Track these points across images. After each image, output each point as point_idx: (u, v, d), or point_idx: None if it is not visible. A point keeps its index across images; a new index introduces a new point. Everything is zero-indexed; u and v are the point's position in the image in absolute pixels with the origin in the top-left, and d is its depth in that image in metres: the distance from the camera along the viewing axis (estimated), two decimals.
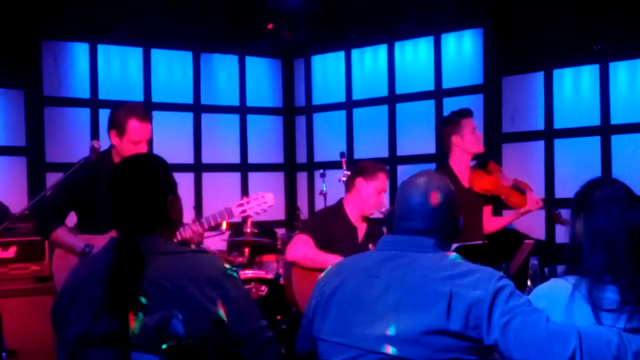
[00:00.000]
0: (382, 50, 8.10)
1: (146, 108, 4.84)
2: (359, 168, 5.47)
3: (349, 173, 5.64)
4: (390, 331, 2.68)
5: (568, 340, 2.55)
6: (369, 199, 5.38)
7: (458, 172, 5.58)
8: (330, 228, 5.37)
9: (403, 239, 2.86)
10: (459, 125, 5.59)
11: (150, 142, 4.83)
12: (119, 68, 7.86)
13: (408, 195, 2.90)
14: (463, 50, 7.59)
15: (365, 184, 5.37)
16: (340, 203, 5.49)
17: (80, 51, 7.67)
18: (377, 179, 5.36)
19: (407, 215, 2.88)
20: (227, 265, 2.81)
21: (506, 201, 5.79)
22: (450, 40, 7.67)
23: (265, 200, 5.28)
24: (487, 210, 5.81)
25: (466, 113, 5.71)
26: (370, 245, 5.29)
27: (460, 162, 5.62)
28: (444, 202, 2.87)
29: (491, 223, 5.80)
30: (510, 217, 5.83)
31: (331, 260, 5.15)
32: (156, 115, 4.93)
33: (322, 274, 3.03)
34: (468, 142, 5.59)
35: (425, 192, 2.87)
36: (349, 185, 5.46)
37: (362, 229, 5.46)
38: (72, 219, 4.95)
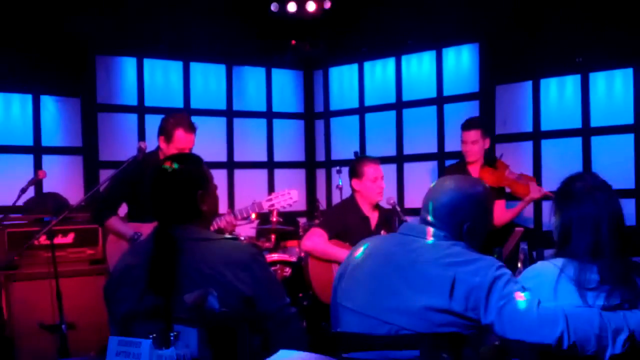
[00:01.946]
0: (390, 62, 8.07)
1: (192, 121, 4.83)
2: (349, 171, 5.48)
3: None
4: (401, 305, 2.68)
5: (556, 322, 2.54)
6: (369, 191, 5.36)
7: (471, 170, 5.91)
8: (345, 219, 5.35)
9: (420, 227, 2.84)
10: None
11: None
12: (162, 79, 7.88)
13: (432, 192, 2.89)
14: (461, 63, 7.56)
15: (358, 182, 5.37)
16: (352, 196, 5.47)
17: (128, 64, 7.69)
18: (365, 173, 5.35)
19: (427, 208, 2.86)
20: (256, 250, 2.81)
21: (512, 192, 5.84)
22: (450, 54, 7.63)
23: (291, 196, 5.28)
24: (502, 204, 5.86)
25: (465, 125, 6.05)
26: (382, 232, 5.28)
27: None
28: (457, 203, 2.82)
29: (507, 214, 5.85)
30: (519, 206, 5.83)
31: (339, 254, 5.17)
32: (194, 119, 4.92)
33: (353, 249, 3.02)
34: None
35: (444, 192, 2.85)
36: (351, 187, 5.47)
37: (374, 218, 5.43)
38: (123, 209, 4.97)
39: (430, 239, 2.77)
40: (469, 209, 2.83)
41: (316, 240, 5.28)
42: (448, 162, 7.37)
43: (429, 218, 2.83)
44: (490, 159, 5.99)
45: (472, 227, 2.82)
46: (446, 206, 2.81)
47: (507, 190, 5.92)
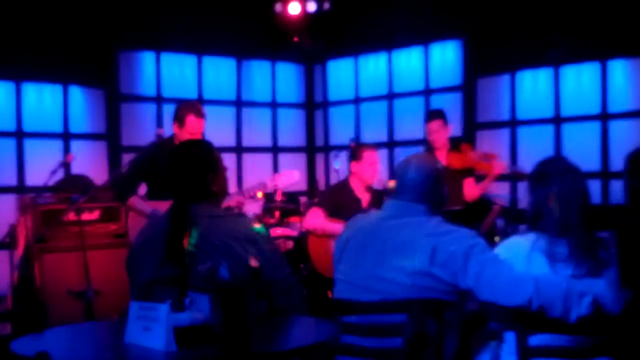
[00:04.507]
0: (382, 57, 8.05)
1: (202, 108, 4.80)
2: (349, 154, 5.49)
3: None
4: (388, 273, 2.70)
5: (527, 285, 2.56)
6: (364, 173, 5.37)
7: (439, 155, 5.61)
8: (339, 199, 5.36)
9: (401, 204, 2.86)
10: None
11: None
12: (178, 72, 7.85)
13: (402, 172, 2.91)
14: (446, 58, 7.53)
15: (356, 164, 5.38)
16: (347, 179, 5.48)
17: (147, 59, 7.66)
18: (363, 158, 5.35)
19: (402, 187, 2.88)
20: (259, 227, 2.81)
21: (477, 171, 5.74)
22: (436, 50, 7.61)
23: (293, 176, 5.28)
24: (471, 181, 5.74)
25: (428, 116, 5.88)
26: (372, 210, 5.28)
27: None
28: (428, 176, 2.86)
29: (475, 190, 5.70)
30: (486, 182, 5.70)
31: (336, 228, 5.16)
32: (206, 108, 4.90)
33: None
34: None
35: (414, 169, 2.88)
36: (348, 168, 5.47)
37: (365, 199, 5.43)
38: (143, 189, 4.97)
39: (412, 214, 2.79)
40: (442, 180, 2.90)
41: (315, 218, 5.31)
42: None
43: (408, 195, 2.85)
44: (455, 144, 5.90)
45: (447, 193, 2.92)
46: (426, 181, 2.85)
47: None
